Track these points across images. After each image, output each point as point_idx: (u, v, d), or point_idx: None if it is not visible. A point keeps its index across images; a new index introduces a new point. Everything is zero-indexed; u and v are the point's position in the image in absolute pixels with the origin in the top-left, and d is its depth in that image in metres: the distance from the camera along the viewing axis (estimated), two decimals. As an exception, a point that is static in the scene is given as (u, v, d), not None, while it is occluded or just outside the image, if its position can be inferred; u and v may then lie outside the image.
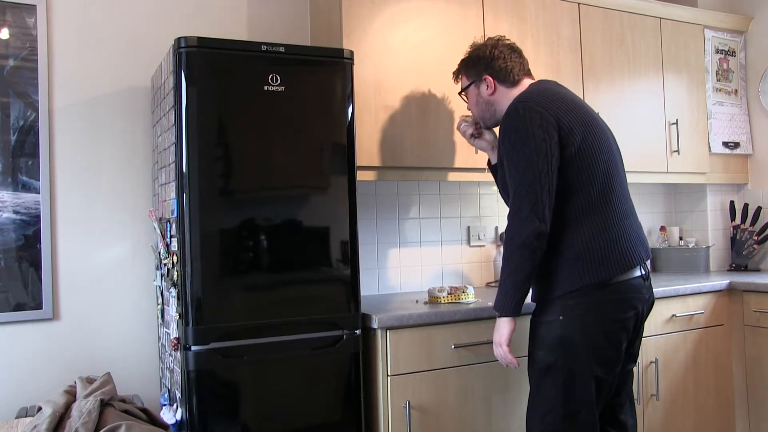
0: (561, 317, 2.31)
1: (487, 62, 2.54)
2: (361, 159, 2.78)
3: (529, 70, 2.59)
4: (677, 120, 3.79)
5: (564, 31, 3.45)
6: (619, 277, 2.31)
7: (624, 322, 2.34)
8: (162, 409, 2.69)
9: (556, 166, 2.25)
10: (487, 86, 2.55)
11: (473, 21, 3.21)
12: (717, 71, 4.09)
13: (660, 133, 3.76)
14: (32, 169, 2.87)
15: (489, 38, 2.63)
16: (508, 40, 2.61)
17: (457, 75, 2.71)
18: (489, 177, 2.91)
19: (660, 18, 3.78)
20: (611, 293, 2.31)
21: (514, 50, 2.57)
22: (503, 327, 2.40)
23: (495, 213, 3.72)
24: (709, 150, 4.00)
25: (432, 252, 3.54)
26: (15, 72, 2.85)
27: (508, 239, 2.30)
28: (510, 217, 2.32)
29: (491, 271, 3.67)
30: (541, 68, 3.35)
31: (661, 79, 3.78)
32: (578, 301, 2.30)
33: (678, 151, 3.79)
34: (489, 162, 2.83)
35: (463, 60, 2.67)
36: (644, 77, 3.73)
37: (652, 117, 3.75)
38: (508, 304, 2.35)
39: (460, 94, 2.73)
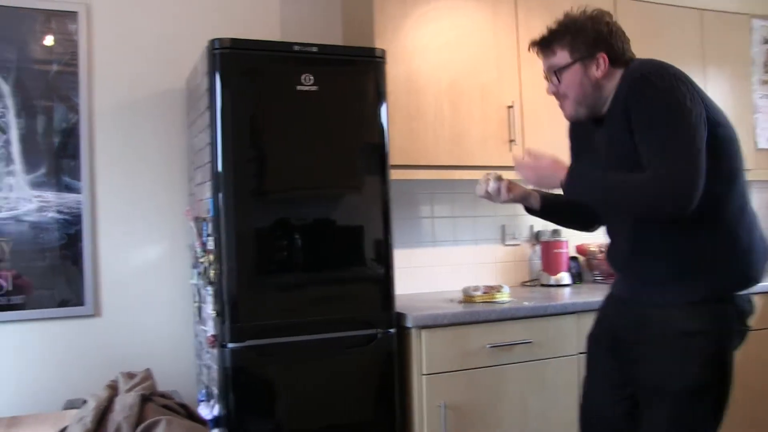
0: (717, 327, 1.88)
1: (604, 37, 1.99)
2: (394, 158, 2.77)
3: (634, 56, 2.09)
4: (720, 115, 3.70)
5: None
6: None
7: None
8: (199, 405, 2.74)
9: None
10: (597, 66, 1.98)
11: (505, 18, 3.19)
12: (765, 62, 3.97)
13: (703, 130, 3.68)
14: (74, 170, 2.94)
15: (594, 9, 2.05)
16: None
17: (548, 43, 2.07)
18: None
19: (701, 9, 3.69)
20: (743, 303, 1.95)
21: (620, 29, 2.07)
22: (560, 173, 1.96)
23: (530, 212, 3.69)
24: (755, 145, 3.89)
25: (466, 251, 3.52)
26: (58, 77, 2.93)
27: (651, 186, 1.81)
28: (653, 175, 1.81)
29: (526, 270, 3.65)
30: (576, 64, 3.31)
31: (703, 73, 3.68)
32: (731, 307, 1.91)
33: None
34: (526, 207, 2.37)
35: (564, 27, 2.04)
36: (684, 71, 3.63)
37: (693, 112, 3.66)
38: (577, 185, 1.94)
39: (551, 72, 2.07)
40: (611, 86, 1.99)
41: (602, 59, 1.97)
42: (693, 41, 3.67)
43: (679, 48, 3.62)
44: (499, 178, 2.24)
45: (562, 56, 2.03)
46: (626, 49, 2.03)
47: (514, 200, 2.28)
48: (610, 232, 2.14)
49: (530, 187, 2.21)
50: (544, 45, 2.08)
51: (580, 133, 2.21)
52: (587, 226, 2.36)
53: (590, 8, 2.05)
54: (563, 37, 2.03)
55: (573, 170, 1.95)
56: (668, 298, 1.91)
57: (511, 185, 2.23)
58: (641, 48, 3.42)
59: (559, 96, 2.07)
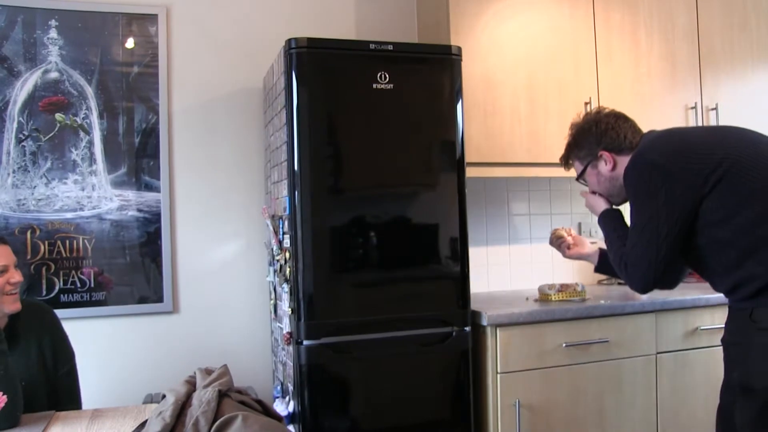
0: None
1: (597, 137, 2.25)
2: (470, 155, 2.76)
3: (640, 130, 2.29)
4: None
5: (679, 18, 3.31)
6: None
7: None
8: (275, 401, 2.77)
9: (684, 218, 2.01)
10: (605, 162, 2.23)
11: (583, 12, 3.13)
12: None
13: (788, 124, 3.54)
14: (153, 170, 3.02)
15: (587, 114, 2.38)
16: (606, 108, 2.33)
17: (566, 160, 2.39)
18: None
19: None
20: None
21: (619, 116, 2.28)
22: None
23: (607, 209, 3.61)
24: None
25: (542, 249, 3.45)
26: (138, 78, 3.01)
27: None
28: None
29: (603, 269, 3.57)
30: (654, 59, 3.24)
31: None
32: None
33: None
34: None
35: (568, 145, 2.36)
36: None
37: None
38: (600, 224, 2.29)
39: (578, 179, 2.38)
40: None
41: (606, 155, 2.23)
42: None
43: (767, 39, 3.48)
44: (560, 238, 2.57)
45: (577, 166, 2.35)
46: (627, 136, 2.23)
47: (575, 258, 2.57)
48: None
49: (592, 248, 2.50)
50: (565, 163, 2.41)
51: None
52: None
53: (592, 110, 2.41)
54: (571, 150, 2.35)
55: (605, 212, 2.28)
56: None
57: (575, 242, 2.54)
58: (725, 41, 3.35)
59: (596, 194, 2.36)
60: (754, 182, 1.93)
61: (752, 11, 3.45)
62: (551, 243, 2.66)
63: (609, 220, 2.26)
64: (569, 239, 2.59)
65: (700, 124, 3.29)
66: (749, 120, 3.38)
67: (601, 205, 2.31)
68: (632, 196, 2.10)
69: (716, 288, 2.07)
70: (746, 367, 1.91)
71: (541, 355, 2.66)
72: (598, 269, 2.48)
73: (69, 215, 2.91)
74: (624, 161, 2.19)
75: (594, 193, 2.35)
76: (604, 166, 2.24)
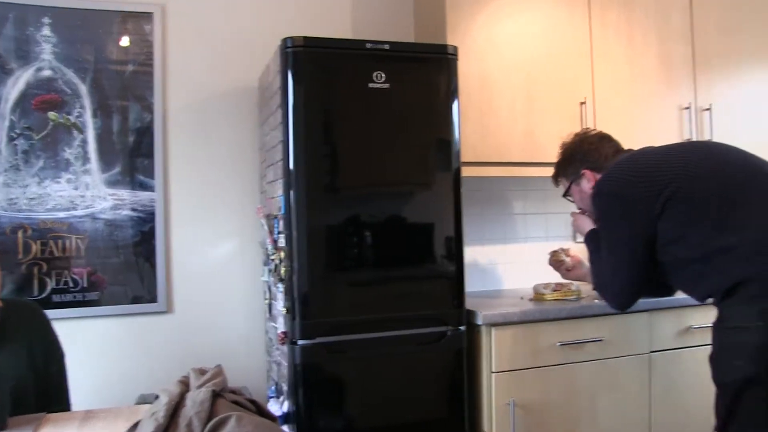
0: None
1: (580, 158, 2.44)
2: (465, 155, 2.76)
3: (622, 149, 2.44)
4: (802, 110, 3.57)
5: (674, 19, 3.31)
6: None
7: None
8: (269, 401, 2.76)
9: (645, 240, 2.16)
10: (588, 180, 2.41)
11: (579, 12, 3.14)
12: None
13: (782, 125, 3.56)
14: (148, 169, 3.00)
15: (575, 134, 2.52)
16: (594, 130, 2.51)
17: (556, 179, 2.59)
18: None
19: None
20: None
21: (603, 137, 2.47)
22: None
23: (601, 209, 3.62)
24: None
25: (537, 248, 3.46)
26: (133, 77, 2.99)
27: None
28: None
29: (598, 269, 3.58)
30: (650, 59, 3.24)
31: (783, 69, 3.56)
32: None
33: (802, 143, 3.57)
34: None
35: (557, 163, 2.56)
36: (765, 65, 3.52)
37: (772, 107, 3.54)
38: (585, 242, 2.42)
39: (564, 196, 2.57)
40: None
41: (588, 174, 2.40)
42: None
43: (761, 41, 3.49)
44: (558, 261, 2.74)
45: (564, 183, 2.53)
46: (608, 156, 2.38)
47: (574, 280, 2.78)
48: None
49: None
50: (554, 180, 2.59)
51: None
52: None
53: (578, 133, 2.52)
54: (558, 169, 2.55)
55: (590, 232, 2.40)
56: None
57: (573, 264, 2.70)
58: (719, 42, 3.37)
59: (585, 213, 2.51)
60: (704, 199, 2.05)
61: (746, 13, 3.46)
62: (550, 264, 2.81)
63: (590, 241, 2.38)
64: (568, 261, 2.74)
65: (694, 124, 3.31)
66: (742, 121, 3.41)
67: (587, 225, 2.46)
68: (597, 222, 2.32)
69: (695, 298, 2.19)
70: (717, 363, 2.02)
71: (536, 354, 2.67)
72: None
73: (62, 214, 2.89)
74: None
75: (583, 212, 2.51)
76: (586, 184, 2.40)
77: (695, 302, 2.27)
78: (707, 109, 3.34)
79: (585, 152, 2.44)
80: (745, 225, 2.00)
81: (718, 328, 2.05)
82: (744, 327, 1.95)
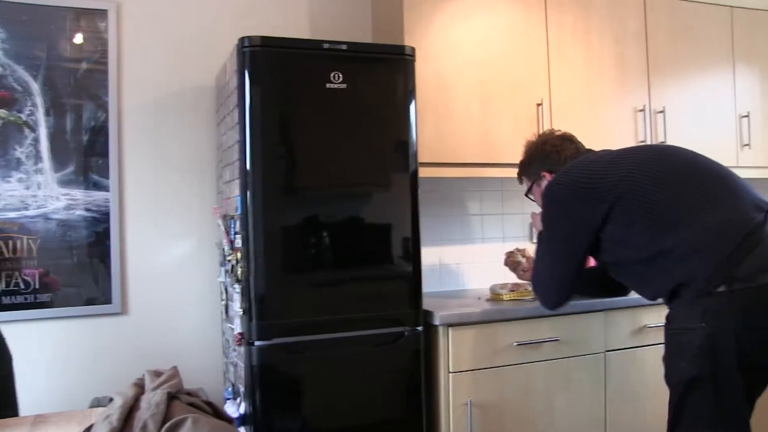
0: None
1: (541, 159, 2.54)
2: (422, 155, 2.77)
3: (583, 151, 2.51)
4: (749, 113, 3.66)
5: (629, 23, 3.37)
6: None
7: None
8: (226, 402, 2.74)
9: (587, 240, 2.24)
10: (547, 182, 2.47)
11: (536, 15, 3.17)
12: (794, 60, 3.92)
13: (730, 127, 3.64)
14: (102, 168, 2.96)
15: (540, 134, 2.62)
16: (559, 131, 2.59)
17: (519, 177, 2.69)
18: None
19: (732, 6, 3.64)
20: None
21: (566, 138, 2.54)
22: None
23: (558, 209, 3.67)
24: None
25: (494, 248, 3.50)
26: (87, 75, 2.94)
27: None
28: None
29: (554, 269, 3.62)
30: (606, 62, 3.29)
31: (732, 71, 3.65)
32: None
33: (749, 144, 3.66)
34: None
35: (520, 162, 2.65)
36: (713, 69, 3.61)
37: (721, 110, 3.62)
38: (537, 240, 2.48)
39: (526, 195, 2.67)
40: None
41: (547, 176, 2.49)
42: (723, 38, 3.63)
43: (709, 45, 3.59)
44: (514, 261, 2.87)
45: (526, 182, 2.64)
46: (567, 158, 2.46)
47: (529, 280, 2.72)
48: None
49: None
50: (519, 178, 2.70)
51: None
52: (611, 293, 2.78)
53: (543, 133, 2.63)
54: (521, 168, 2.66)
55: (540, 232, 2.43)
56: None
57: (530, 265, 2.75)
58: (672, 45, 3.44)
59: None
60: (648, 203, 2.10)
61: (694, 18, 3.55)
62: (506, 264, 2.92)
63: (539, 241, 2.45)
64: (524, 261, 2.84)
65: (648, 126, 3.37)
66: (693, 120, 3.49)
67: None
68: (541, 223, 2.37)
69: (645, 298, 2.27)
70: (667, 364, 2.08)
71: (493, 354, 2.68)
72: None
73: (12, 215, 2.83)
74: None
75: None
76: (545, 185, 2.44)
77: (649, 302, 2.33)
78: (661, 112, 3.41)
79: (546, 154, 2.52)
80: (686, 226, 2.04)
81: (666, 329, 2.10)
82: (688, 328, 1.99)
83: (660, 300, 2.19)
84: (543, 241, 2.39)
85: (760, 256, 1.94)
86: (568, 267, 2.31)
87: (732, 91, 3.66)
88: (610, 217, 2.15)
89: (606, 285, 2.59)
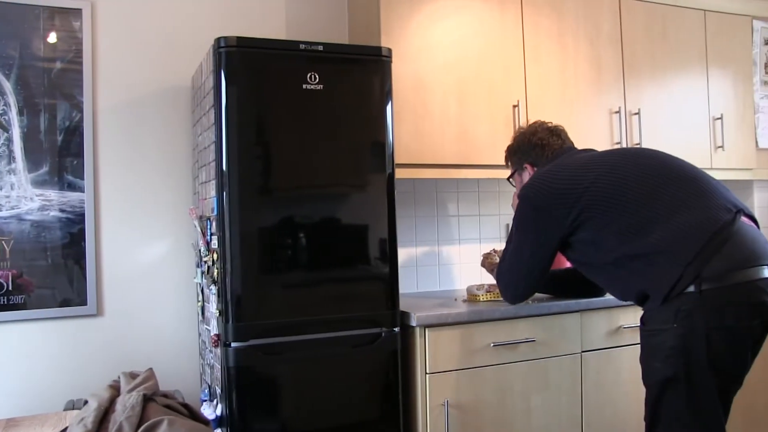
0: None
1: (526, 150, 2.63)
2: (399, 156, 2.77)
3: (570, 146, 2.62)
4: (722, 115, 3.71)
5: (605, 25, 3.40)
6: None
7: None
8: (202, 404, 2.73)
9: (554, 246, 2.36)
10: (528, 173, 2.62)
11: (512, 17, 3.18)
12: (766, 63, 3.99)
13: (704, 129, 3.69)
14: (77, 169, 2.93)
15: (530, 124, 2.70)
16: (549, 123, 2.66)
17: (506, 162, 2.80)
18: (527, 174, 2.90)
19: (705, 10, 3.69)
20: None
21: (554, 132, 2.61)
22: None
23: (535, 210, 3.69)
24: (756, 145, 3.90)
25: (471, 249, 3.52)
26: (61, 74, 2.91)
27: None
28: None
29: (531, 269, 3.63)
30: (581, 64, 3.32)
31: (705, 73, 3.70)
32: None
33: (723, 146, 3.71)
34: None
35: (507, 148, 2.76)
36: (687, 72, 3.65)
37: (695, 112, 3.67)
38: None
39: (508, 179, 2.81)
40: None
41: (528, 167, 2.63)
42: (696, 41, 3.68)
43: (684, 48, 3.64)
44: (491, 263, 2.91)
45: (510, 167, 2.76)
46: (549, 155, 2.56)
47: None
48: None
49: None
50: (505, 162, 2.80)
51: None
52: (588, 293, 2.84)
53: (536, 122, 2.69)
54: (508, 155, 2.77)
55: (511, 228, 2.49)
56: None
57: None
58: (647, 48, 3.48)
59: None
60: (619, 206, 2.14)
61: (670, 21, 3.59)
62: (483, 266, 2.98)
63: (509, 235, 2.53)
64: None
65: (624, 128, 3.41)
66: (667, 122, 3.53)
67: None
68: (513, 221, 2.46)
69: (618, 299, 2.36)
70: (643, 365, 2.11)
71: (470, 355, 2.69)
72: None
73: (-15, 215, 2.81)
74: None
75: None
76: (526, 176, 2.62)
77: (625, 303, 2.36)
78: (636, 113, 3.44)
79: (532, 146, 2.62)
80: (655, 229, 2.06)
81: (641, 330, 2.13)
82: (661, 329, 2.02)
83: (630, 302, 2.25)
84: (512, 238, 2.45)
85: (728, 255, 1.96)
86: (533, 267, 2.42)
87: (705, 93, 3.70)
88: (580, 221, 2.20)
89: (582, 285, 2.63)
